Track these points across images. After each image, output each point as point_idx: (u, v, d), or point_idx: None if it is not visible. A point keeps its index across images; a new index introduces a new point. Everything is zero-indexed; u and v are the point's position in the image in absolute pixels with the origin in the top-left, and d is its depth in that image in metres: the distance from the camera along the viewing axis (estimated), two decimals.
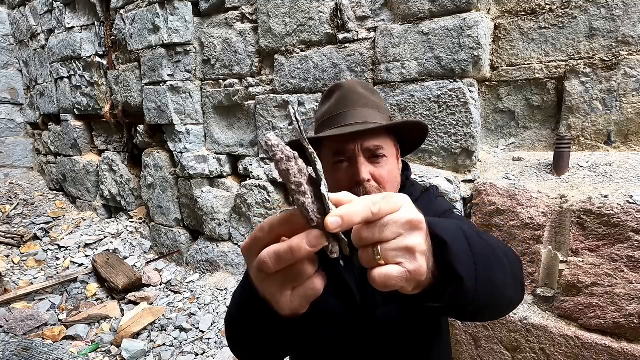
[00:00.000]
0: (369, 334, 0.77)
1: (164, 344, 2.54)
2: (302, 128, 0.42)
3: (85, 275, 3.27)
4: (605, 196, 1.55)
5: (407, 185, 0.91)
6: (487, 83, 2.13)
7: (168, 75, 3.16)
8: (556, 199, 1.67)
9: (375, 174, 0.77)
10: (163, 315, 2.81)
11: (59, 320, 2.82)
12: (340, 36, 2.35)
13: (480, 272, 0.50)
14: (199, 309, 2.86)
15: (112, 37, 3.67)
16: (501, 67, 2.09)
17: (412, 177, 0.96)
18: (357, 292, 0.78)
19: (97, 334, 2.67)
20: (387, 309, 0.77)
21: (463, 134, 2.02)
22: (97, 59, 3.90)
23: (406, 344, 0.78)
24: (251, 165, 2.98)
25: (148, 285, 3.18)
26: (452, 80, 2.01)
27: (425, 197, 0.90)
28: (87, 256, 3.58)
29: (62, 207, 4.72)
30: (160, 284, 3.23)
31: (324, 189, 0.41)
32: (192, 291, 3.08)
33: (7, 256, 3.58)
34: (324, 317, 0.79)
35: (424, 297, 0.47)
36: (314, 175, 0.42)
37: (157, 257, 3.59)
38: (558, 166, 1.81)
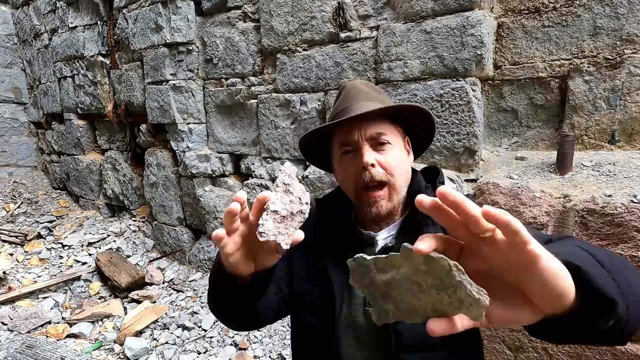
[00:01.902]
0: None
1: (166, 342, 2.55)
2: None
3: (88, 274, 3.29)
4: (609, 195, 1.54)
5: (416, 177, 0.88)
6: (490, 82, 2.12)
7: (170, 74, 3.17)
8: (559, 198, 1.67)
9: (380, 160, 0.77)
10: (166, 313, 2.82)
11: (63, 318, 2.84)
12: (343, 35, 2.35)
13: (623, 288, 0.45)
14: (202, 307, 2.87)
15: (115, 37, 3.68)
16: (504, 65, 2.08)
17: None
18: (337, 286, 0.80)
19: (100, 332, 2.68)
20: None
21: (466, 133, 2.01)
22: (100, 58, 3.91)
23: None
24: (253, 164, 2.98)
25: (151, 284, 3.20)
26: (455, 79, 2.00)
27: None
28: (90, 255, 3.60)
29: (65, 206, 4.75)
30: (163, 283, 3.25)
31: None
32: (194, 290, 3.09)
33: (11, 254, 3.60)
34: (307, 307, 0.84)
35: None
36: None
37: (159, 255, 3.60)
38: (561, 165, 1.80)
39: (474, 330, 0.78)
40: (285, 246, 0.55)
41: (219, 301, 0.73)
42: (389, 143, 0.79)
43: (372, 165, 0.76)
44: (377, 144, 0.78)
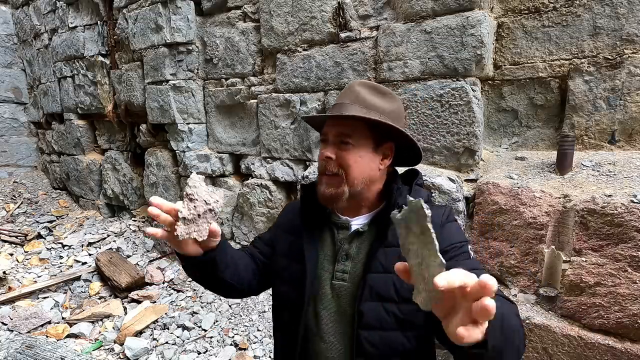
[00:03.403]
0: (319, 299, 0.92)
1: (166, 342, 2.55)
2: None
3: (88, 274, 3.29)
4: (609, 195, 1.54)
5: (395, 178, 0.99)
6: (490, 82, 2.12)
7: (170, 74, 3.17)
8: (559, 198, 1.67)
9: (339, 155, 0.90)
10: (166, 313, 2.82)
11: (63, 318, 2.84)
12: (343, 35, 2.35)
13: (499, 346, 0.58)
14: (202, 307, 2.87)
15: (115, 37, 3.68)
16: (504, 65, 2.08)
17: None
18: (309, 262, 0.92)
19: (100, 332, 2.68)
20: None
21: (466, 133, 2.01)
22: (100, 58, 3.91)
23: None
24: (253, 164, 2.99)
25: (151, 284, 3.20)
26: (455, 79, 2.00)
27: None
28: (90, 255, 3.60)
29: (65, 206, 4.75)
30: (163, 283, 3.24)
31: None
32: (194, 290, 3.09)
33: (11, 254, 3.60)
34: (284, 280, 0.98)
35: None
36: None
37: (159, 255, 3.60)
38: (561, 165, 1.80)
39: (425, 319, 0.87)
40: (200, 238, 0.76)
41: (191, 276, 0.93)
42: (351, 144, 0.90)
43: (329, 157, 0.90)
44: (341, 143, 0.90)
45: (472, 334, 0.49)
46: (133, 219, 4.11)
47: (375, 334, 0.85)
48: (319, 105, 2.52)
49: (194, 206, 0.73)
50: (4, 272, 3.20)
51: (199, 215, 0.74)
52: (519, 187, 1.76)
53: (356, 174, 0.90)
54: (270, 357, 2.38)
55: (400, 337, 0.86)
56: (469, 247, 0.92)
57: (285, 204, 1.13)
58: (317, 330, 0.91)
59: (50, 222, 4.26)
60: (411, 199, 0.55)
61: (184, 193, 0.74)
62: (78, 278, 3.25)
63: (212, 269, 0.88)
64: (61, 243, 3.81)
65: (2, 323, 2.70)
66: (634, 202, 1.47)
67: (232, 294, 1.04)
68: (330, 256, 0.94)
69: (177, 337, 2.60)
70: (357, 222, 0.95)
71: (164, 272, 3.38)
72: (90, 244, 3.78)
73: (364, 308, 0.86)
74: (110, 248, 3.67)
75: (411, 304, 0.83)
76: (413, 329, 0.86)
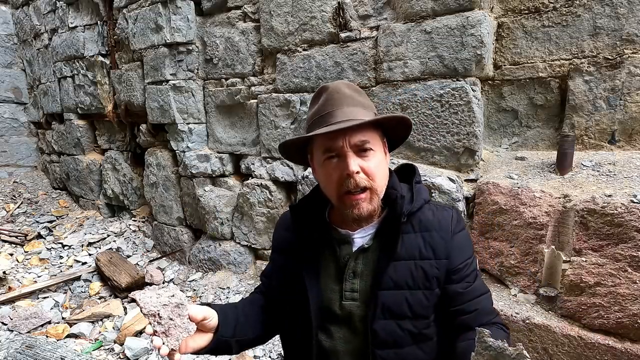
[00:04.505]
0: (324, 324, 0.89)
1: None
2: None
3: (88, 274, 3.29)
4: (609, 195, 1.54)
5: (392, 179, 0.90)
6: (490, 82, 2.12)
7: (170, 74, 3.17)
8: (559, 198, 1.67)
9: (363, 166, 0.80)
10: None
11: (63, 318, 2.84)
12: (343, 35, 2.35)
13: None
14: None
15: (115, 37, 3.68)
16: (504, 65, 2.08)
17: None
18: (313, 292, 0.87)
19: (100, 332, 2.68)
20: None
21: (466, 133, 2.01)
22: (100, 58, 3.91)
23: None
24: (253, 164, 2.99)
25: (151, 284, 3.20)
26: (455, 79, 2.00)
27: (428, 209, 0.90)
28: (90, 255, 3.60)
29: (65, 206, 4.75)
30: (163, 283, 3.24)
31: None
32: (194, 290, 3.09)
33: (11, 254, 3.60)
34: (287, 303, 0.94)
35: None
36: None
37: (159, 255, 3.60)
38: (561, 165, 1.80)
39: (438, 329, 0.87)
40: (190, 333, 0.76)
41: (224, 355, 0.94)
42: (372, 149, 0.81)
43: (357, 172, 0.79)
44: (361, 151, 0.81)
45: None
46: (133, 219, 4.11)
47: (391, 352, 0.83)
48: None
49: (160, 317, 0.73)
50: (4, 272, 3.20)
51: (170, 319, 0.73)
52: (519, 187, 1.76)
53: (382, 181, 0.84)
54: (270, 357, 2.38)
55: (416, 350, 0.84)
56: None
57: (277, 220, 1.07)
58: (332, 350, 0.87)
59: (50, 222, 4.26)
60: (521, 347, 0.52)
61: (146, 316, 0.74)
62: (78, 278, 3.25)
63: (229, 343, 0.88)
64: (61, 243, 3.81)
65: (2, 323, 2.70)
66: (634, 202, 1.47)
67: (268, 338, 1.03)
68: (335, 275, 0.88)
69: None
70: (360, 236, 0.88)
71: (164, 272, 3.38)
72: (90, 244, 3.78)
73: (378, 327, 0.82)
74: (110, 248, 3.67)
75: (425, 319, 0.84)
76: (428, 340, 0.85)
